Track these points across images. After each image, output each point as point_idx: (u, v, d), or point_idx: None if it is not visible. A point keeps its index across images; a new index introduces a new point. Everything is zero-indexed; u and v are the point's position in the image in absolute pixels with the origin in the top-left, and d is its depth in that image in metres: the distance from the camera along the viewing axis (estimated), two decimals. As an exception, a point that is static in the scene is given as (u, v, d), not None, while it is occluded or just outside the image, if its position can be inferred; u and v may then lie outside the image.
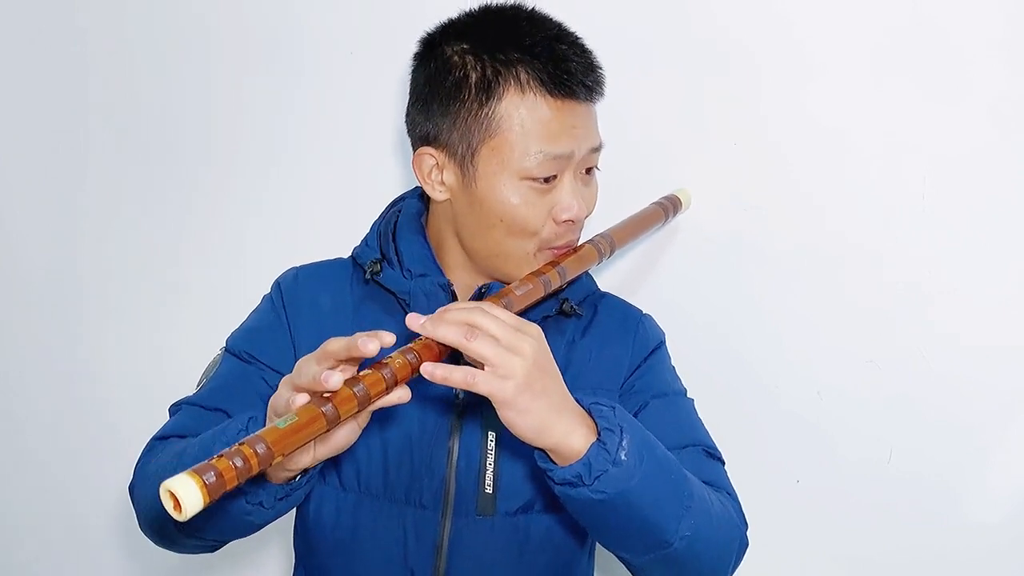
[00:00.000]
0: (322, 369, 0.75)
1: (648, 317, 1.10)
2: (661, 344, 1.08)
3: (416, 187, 1.06)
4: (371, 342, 0.74)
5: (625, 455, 0.80)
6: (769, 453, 1.28)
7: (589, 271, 1.09)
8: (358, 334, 0.76)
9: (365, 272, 1.02)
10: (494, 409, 0.96)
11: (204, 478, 0.64)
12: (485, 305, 0.82)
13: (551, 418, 0.80)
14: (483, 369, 0.78)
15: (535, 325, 0.83)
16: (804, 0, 1.20)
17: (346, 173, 1.49)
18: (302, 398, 0.74)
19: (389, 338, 0.76)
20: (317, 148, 1.50)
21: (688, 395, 1.07)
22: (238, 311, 1.11)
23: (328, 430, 0.75)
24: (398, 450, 0.98)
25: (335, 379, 0.73)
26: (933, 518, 1.22)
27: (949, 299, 1.17)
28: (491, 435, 0.96)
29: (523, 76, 0.92)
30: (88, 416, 1.75)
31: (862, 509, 1.25)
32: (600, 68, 0.97)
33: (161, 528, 0.92)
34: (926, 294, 1.18)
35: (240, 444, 0.69)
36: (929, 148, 1.16)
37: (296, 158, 1.52)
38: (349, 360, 0.77)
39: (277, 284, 1.07)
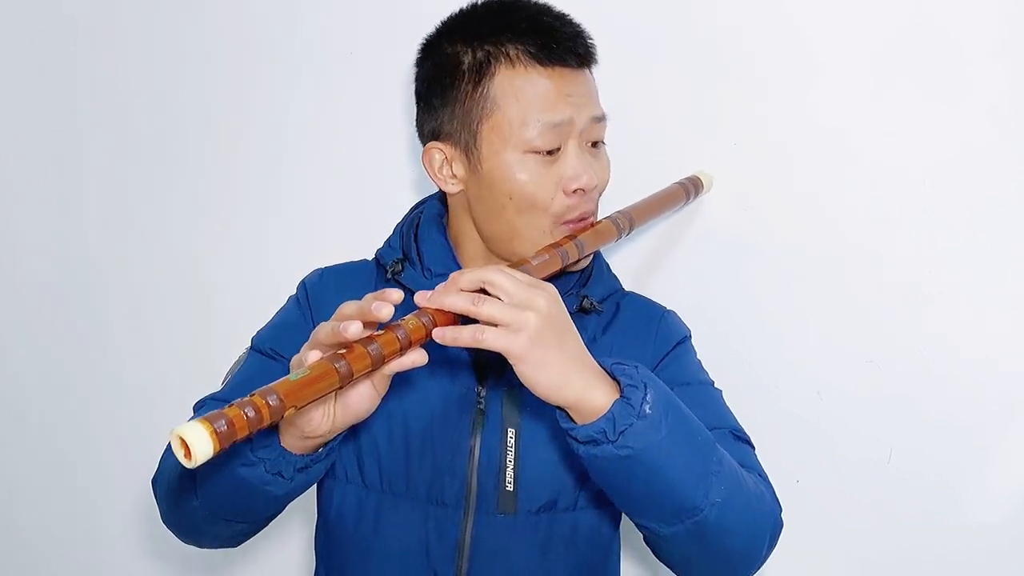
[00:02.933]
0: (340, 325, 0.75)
1: (672, 313, 1.10)
2: (686, 339, 1.08)
3: (437, 191, 1.07)
4: (384, 307, 0.75)
5: (650, 409, 0.79)
6: (769, 453, 1.27)
7: (611, 269, 1.10)
8: (369, 296, 0.77)
9: (387, 272, 1.02)
10: (514, 406, 0.96)
11: (215, 425, 0.65)
12: (498, 266, 0.82)
13: (568, 371, 0.79)
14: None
15: (550, 284, 0.82)
16: (805, 1, 1.20)
17: (353, 173, 1.48)
18: (315, 355, 0.74)
19: (397, 294, 0.76)
20: (322, 148, 1.49)
21: (715, 386, 1.06)
22: (253, 310, 1.11)
23: (341, 387, 0.75)
24: (419, 448, 0.97)
25: (354, 328, 0.74)
26: (933, 518, 1.22)
27: (949, 299, 1.17)
28: (511, 432, 0.96)
29: (512, 52, 0.93)
30: (103, 415, 1.74)
31: (862, 509, 1.25)
32: (589, 37, 0.99)
33: (184, 520, 0.93)
34: (926, 294, 1.18)
35: (252, 395, 0.69)
36: (929, 148, 1.16)
37: (301, 158, 1.51)
38: (363, 324, 0.77)
39: (303, 284, 1.08)
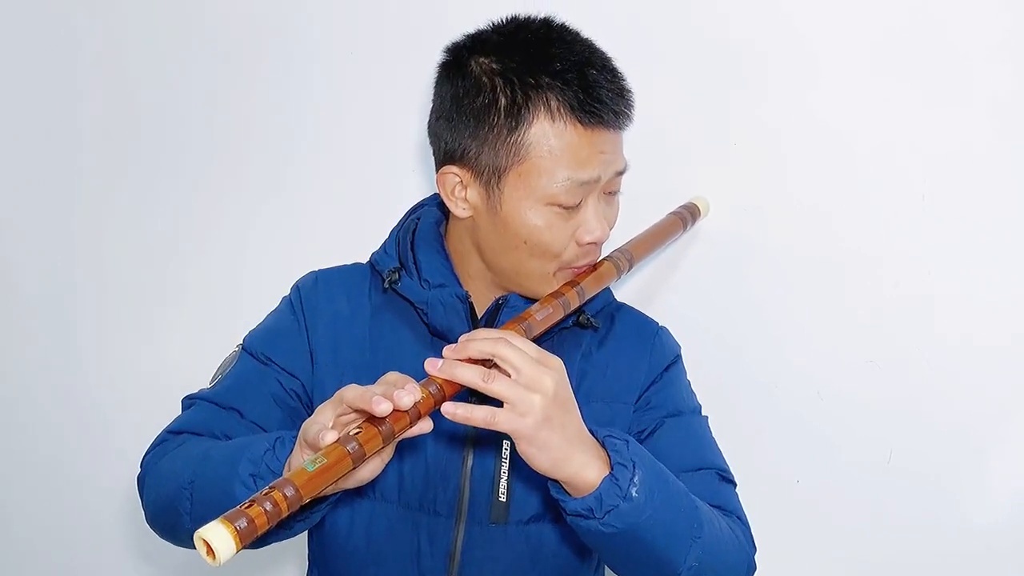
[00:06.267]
0: (371, 394, 0.76)
1: (664, 330, 1.10)
2: (677, 358, 1.09)
3: (435, 194, 1.06)
4: (406, 396, 0.77)
5: (636, 492, 0.81)
6: (769, 453, 1.28)
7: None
8: (391, 381, 0.79)
9: (384, 280, 1.02)
10: None
11: (236, 525, 0.67)
12: (508, 335, 0.83)
13: (567, 451, 0.81)
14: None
15: (557, 358, 0.83)
16: (805, 2, 1.20)
17: (348, 174, 1.48)
18: (331, 436, 0.75)
19: (408, 399, 0.77)
20: (319, 149, 1.49)
21: (703, 412, 1.07)
22: (238, 311, 1.11)
23: (354, 468, 0.77)
24: (413, 458, 0.98)
25: (384, 406, 0.75)
26: (932, 518, 1.22)
27: (949, 300, 1.17)
28: (506, 444, 0.97)
29: (553, 103, 0.91)
30: (86, 414, 1.74)
31: (862, 509, 1.25)
32: (630, 91, 0.96)
33: (170, 524, 0.92)
34: (926, 295, 1.18)
35: (270, 489, 0.71)
36: (929, 148, 1.16)
37: (298, 159, 1.51)
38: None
39: (297, 287, 1.07)
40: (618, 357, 1.04)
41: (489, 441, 0.97)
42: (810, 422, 1.26)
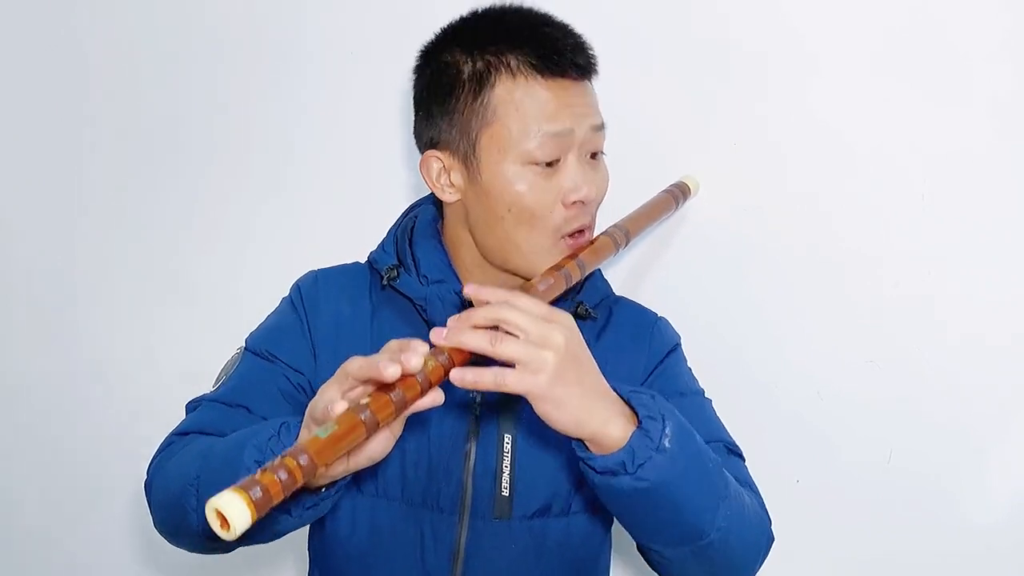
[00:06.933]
0: (377, 360, 0.73)
1: (663, 320, 1.10)
2: (677, 346, 1.09)
3: (431, 193, 1.07)
4: (414, 357, 0.73)
5: (669, 443, 0.79)
6: (769, 453, 1.28)
7: (603, 274, 1.09)
8: (395, 346, 0.76)
9: (383, 278, 1.02)
10: (511, 412, 0.95)
11: (251, 494, 0.63)
12: (512, 296, 0.80)
13: (587, 406, 0.78)
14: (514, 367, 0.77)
15: (566, 313, 0.81)
16: (805, 2, 1.20)
17: (348, 174, 1.48)
18: (341, 405, 0.73)
19: (417, 359, 0.74)
20: (319, 149, 1.49)
21: (706, 395, 1.07)
22: (239, 310, 1.10)
23: (367, 437, 0.74)
24: (416, 453, 0.98)
25: (393, 369, 0.72)
26: (932, 518, 1.22)
27: (949, 299, 1.17)
28: (507, 438, 0.97)
29: (513, 63, 0.93)
30: (86, 414, 1.74)
31: (862, 509, 1.25)
32: (590, 48, 0.98)
33: (177, 528, 0.92)
34: (926, 294, 1.18)
35: (283, 457, 0.67)
36: (929, 148, 1.16)
37: (298, 159, 1.51)
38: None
39: (297, 286, 1.07)
40: (617, 348, 1.04)
41: (491, 435, 0.97)
42: (810, 422, 1.26)
